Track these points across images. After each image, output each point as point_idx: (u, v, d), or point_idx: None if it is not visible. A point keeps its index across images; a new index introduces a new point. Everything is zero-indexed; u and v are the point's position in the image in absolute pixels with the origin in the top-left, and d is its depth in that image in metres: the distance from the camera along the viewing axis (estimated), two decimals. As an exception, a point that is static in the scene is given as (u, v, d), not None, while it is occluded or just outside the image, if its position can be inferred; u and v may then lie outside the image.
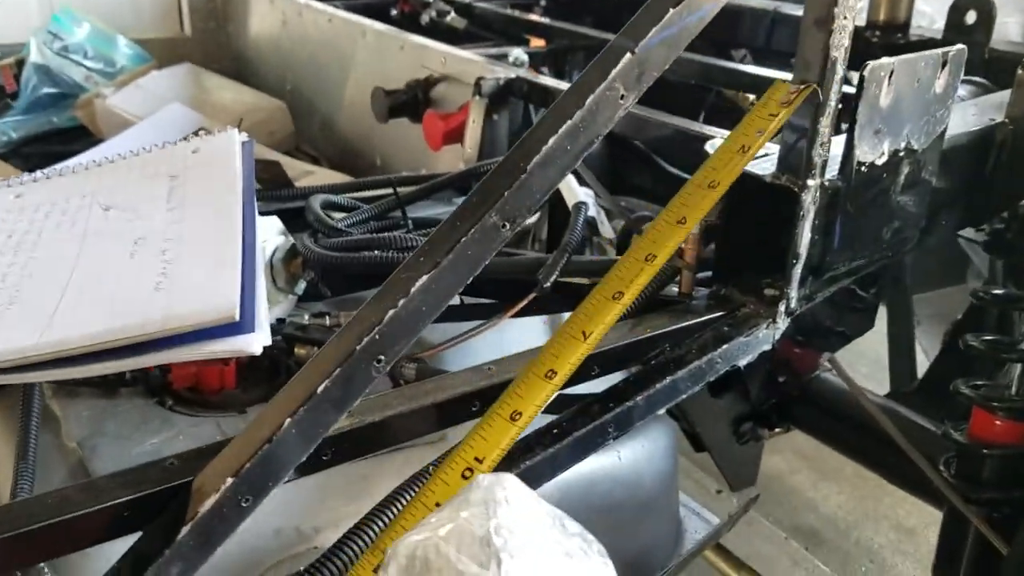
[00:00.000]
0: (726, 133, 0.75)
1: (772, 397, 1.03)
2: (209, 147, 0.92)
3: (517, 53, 1.40)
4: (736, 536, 1.41)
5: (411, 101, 1.38)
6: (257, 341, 0.67)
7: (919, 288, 1.73)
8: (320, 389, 0.54)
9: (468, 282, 0.58)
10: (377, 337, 0.55)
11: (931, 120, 0.84)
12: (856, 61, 0.73)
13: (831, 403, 1.23)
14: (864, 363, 1.85)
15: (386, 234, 0.88)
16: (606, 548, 0.49)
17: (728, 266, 0.82)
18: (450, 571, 0.39)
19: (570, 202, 0.90)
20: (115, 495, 0.53)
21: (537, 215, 1.04)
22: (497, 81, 1.21)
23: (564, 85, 1.16)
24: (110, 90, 1.63)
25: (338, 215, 0.98)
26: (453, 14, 1.82)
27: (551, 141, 0.59)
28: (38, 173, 0.98)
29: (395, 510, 0.59)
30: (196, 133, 0.95)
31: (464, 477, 0.58)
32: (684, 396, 0.73)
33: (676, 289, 0.82)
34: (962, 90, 1.16)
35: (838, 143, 0.76)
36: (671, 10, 0.61)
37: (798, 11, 1.44)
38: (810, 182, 0.74)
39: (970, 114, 1.01)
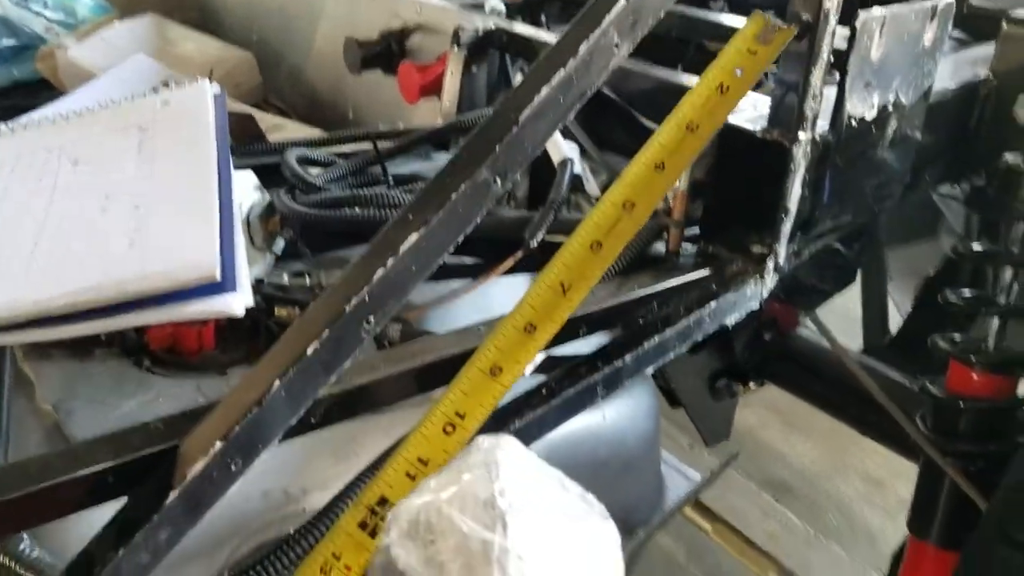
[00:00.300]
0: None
1: (757, 356, 1.03)
2: (180, 99, 0.89)
3: (494, 2, 1.36)
4: (709, 490, 1.42)
5: (385, 52, 1.34)
6: (239, 301, 0.65)
7: (891, 242, 1.74)
8: (309, 351, 0.52)
9: (459, 240, 0.57)
10: (366, 299, 0.53)
11: (920, 74, 0.83)
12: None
13: (809, 360, 1.24)
14: (834, 318, 1.87)
15: (368, 190, 0.86)
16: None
17: (716, 223, 0.81)
18: (455, 534, 0.38)
19: (556, 158, 0.89)
20: (99, 460, 0.52)
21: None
22: (476, 31, 1.18)
23: (546, 35, 1.13)
24: (71, 41, 1.57)
25: (315, 170, 0.95)
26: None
27: (543, 92, 0.57)
28: (1, 127, 0.94)
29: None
30: (166, 84, 0.91)
31: (446, 432, 0.57)
32: (672, 356, 0.73)
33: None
34: (943, 44, 1.15)
35: (827, 97, 0.75)
36: (667, -45, 0.59)
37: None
38: (801, 136, 0.73)
39: (952, 68, 1.01)
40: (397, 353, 0.64)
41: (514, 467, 0.42)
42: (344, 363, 0.54)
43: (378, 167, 0.96)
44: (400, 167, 1.06)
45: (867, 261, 1.61)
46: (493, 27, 1.19)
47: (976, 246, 1.05)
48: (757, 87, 0.72)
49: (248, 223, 0.83)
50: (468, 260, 0.85)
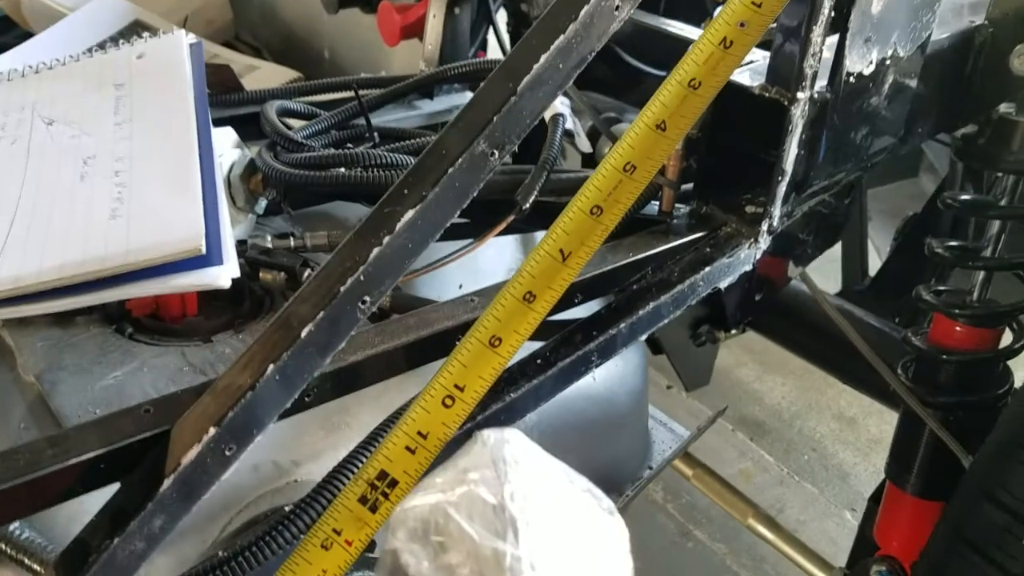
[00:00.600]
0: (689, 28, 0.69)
1: (748, 315, 1.03)
2: (155, 51, 0.85)
3: (477, -60, 1.31)
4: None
5: (363, -11, 1.29)
6: (225, 273, 0.63)
7: (871, 183, 1.73)
8: (304, 334, 0.51)
9: (456, 215, 0.55)
10: (362, 278, 0.52)
11: (918, 25, 0.81)
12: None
13: (792, 309, 1.24)
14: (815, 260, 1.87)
15: (355, 149, 0.83)
16: (580, 463, 0.48)
17: (709, 182, 0.79)
18: (465, 541, 0.38)
19: (547, 114, 0.86)
20: (89, 447, 0.50)
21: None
22: (459, -29, 1.14)
23: (531, -25, 1.09)
24: (32, -24, 1.49)
25: (296, 123, 0.92)
26: None
27: (543, 59, 0.55)
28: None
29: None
30: (139, 35, 0.87)
31: (445, 405, 0.56)
32: (666, 321, 0.72)
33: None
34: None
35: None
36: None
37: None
38: (800, 95, 0.71)
39: (948, 16, 0.99)
40: (391, 327, 0.62)
41: (522, 465, 0.41)
42: (339, 345, 0.53)
43: (362, 119, 0.93)
44: (383, 115, 1.03)
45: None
46: (477, -33, 1.15)
47: (965, 196, 1.04)
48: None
49: (229, 183, 0.80)
50: (457, 220, 0.83)
